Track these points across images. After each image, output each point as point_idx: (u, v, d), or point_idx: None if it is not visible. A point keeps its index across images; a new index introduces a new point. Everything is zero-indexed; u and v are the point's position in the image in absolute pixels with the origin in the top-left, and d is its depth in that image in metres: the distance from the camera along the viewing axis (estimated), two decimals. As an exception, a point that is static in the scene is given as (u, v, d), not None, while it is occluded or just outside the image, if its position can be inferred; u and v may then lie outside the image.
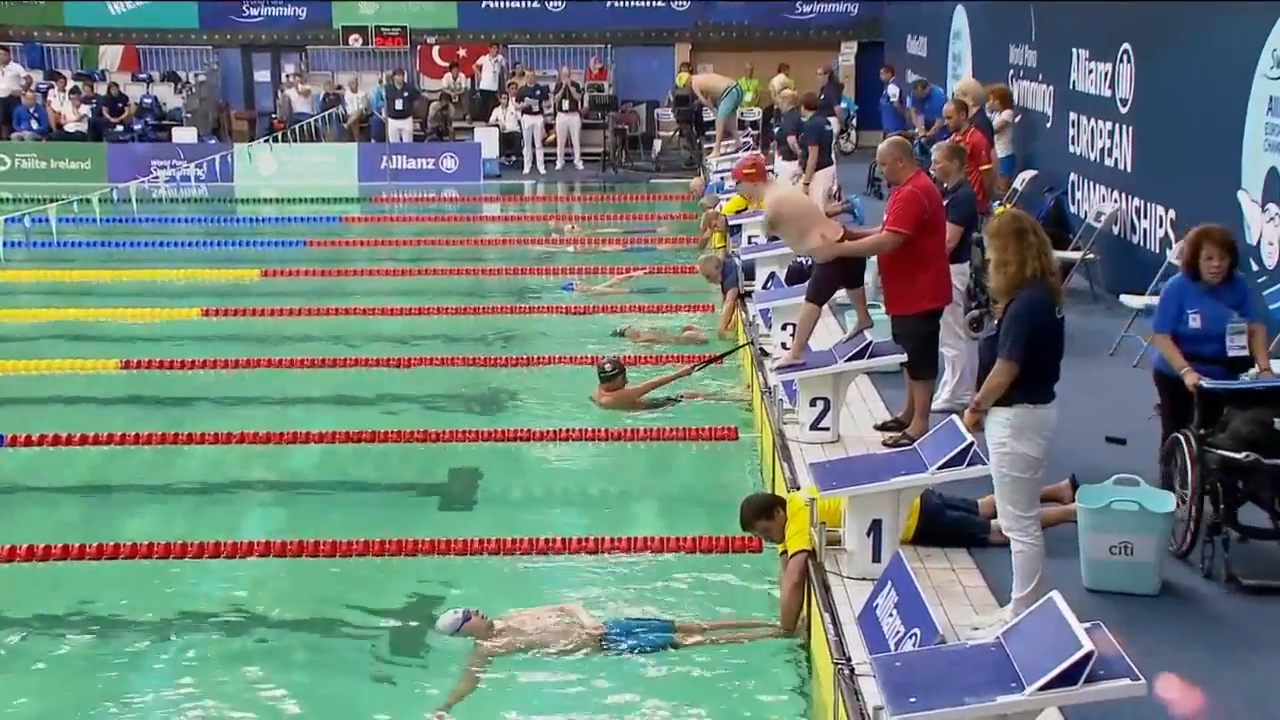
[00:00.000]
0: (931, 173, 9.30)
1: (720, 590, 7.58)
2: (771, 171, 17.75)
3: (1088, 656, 4.21)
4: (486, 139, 25.83)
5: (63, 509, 9.10)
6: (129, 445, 9.92)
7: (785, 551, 6.99)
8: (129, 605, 7.49)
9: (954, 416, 7.02)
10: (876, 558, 6.60)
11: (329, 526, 8.44)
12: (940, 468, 6.56)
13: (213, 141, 26.54)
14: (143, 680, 6.75)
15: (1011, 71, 17.11)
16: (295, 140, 25.43)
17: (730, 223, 16.23)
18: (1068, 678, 4.22)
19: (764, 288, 12.50)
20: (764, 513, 7.12)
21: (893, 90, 22.86)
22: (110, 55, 29.40)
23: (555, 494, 9.31)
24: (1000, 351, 5.96)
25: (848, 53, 28.45)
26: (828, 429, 8.90)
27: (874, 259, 9.15)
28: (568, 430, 10.17)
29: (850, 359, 8.82)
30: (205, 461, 9.83)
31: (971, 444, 6.54)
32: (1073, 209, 14.06)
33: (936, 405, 8.98)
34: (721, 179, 19.54)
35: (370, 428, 10.19)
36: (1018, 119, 15.90)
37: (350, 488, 9.47)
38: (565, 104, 26.14)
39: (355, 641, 7.13)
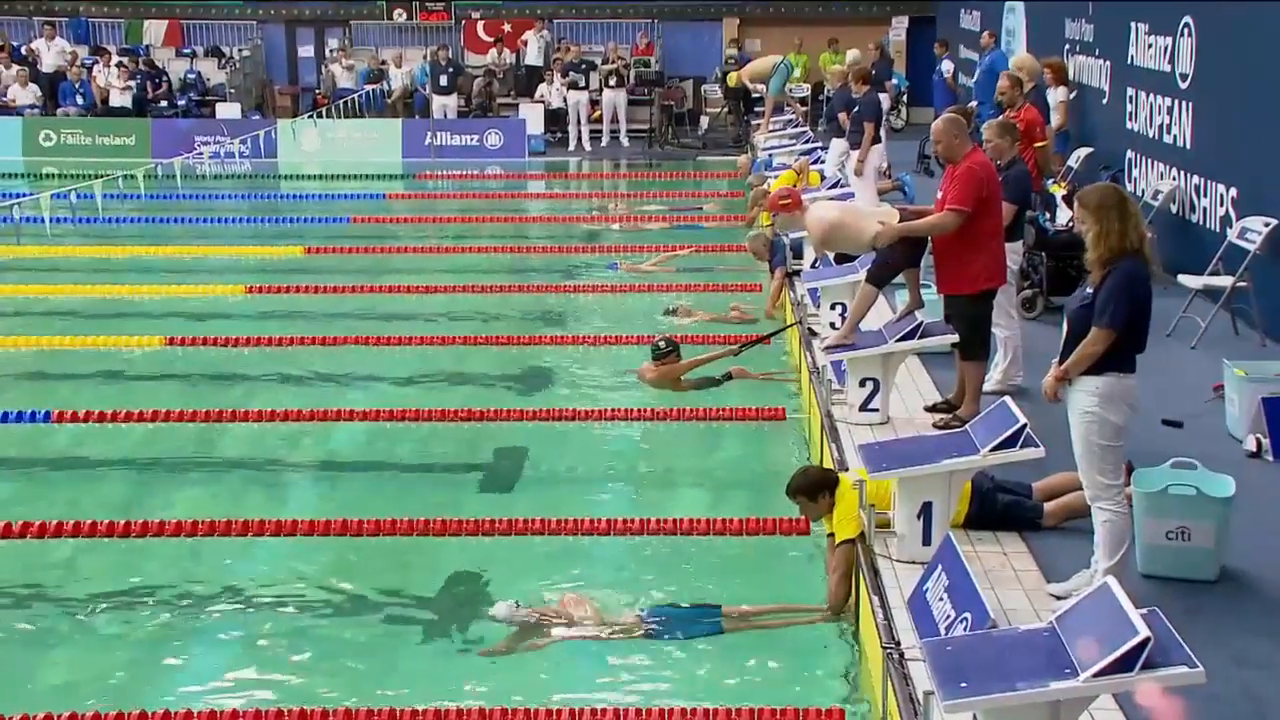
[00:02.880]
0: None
1: (767, 573, 7.56)
2: (823, 148, 17.71)
3: (1144, 643, 4.17)
4: (531, 115, 25.86)
5: (107, 486, 9.19)
6: (173, 423, 10.02)
7: (832, 534, 6.98)
8: (171, 583, 7.56)
9: (1007, 398, 6.98)
10: (927, 541, 6.57)
11: (372, 505, 8.48)
12: (993, 450, 6.52)
13: (256, 117, 26.71)
14: (184, 658, 6.82)
15: (1067, 46, 16.92)
16: (339, 116, 25.54)
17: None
18: (1123, 664, 4.18)
19: (812, 267, 12.45)
20: (809, 492, 7.07)
21: (946, 66, 22.66)
22: (154, 30, 29.63)
23: (599, 474, 9.31)
24: (1099, 320, 5.98)
25: (899, 27, 28.23)
26: (877, 410, 8.86)
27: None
28: (612, 410, 10.17)
29: (900, 339, 8.77)
30: (249, 439, 9.91)
31: (1024, 426, 6.50)
32: (1130, 187, 13.90)
33: (988, 387, 8.92)
34: (770, 156, 19.47)
35: (414, 406, 10.24)
36: (1073, 95, 15.73)
37: (394, 467, 9.52)
38: (612, 80, 26.10)
39: (398, 621, 7.17)
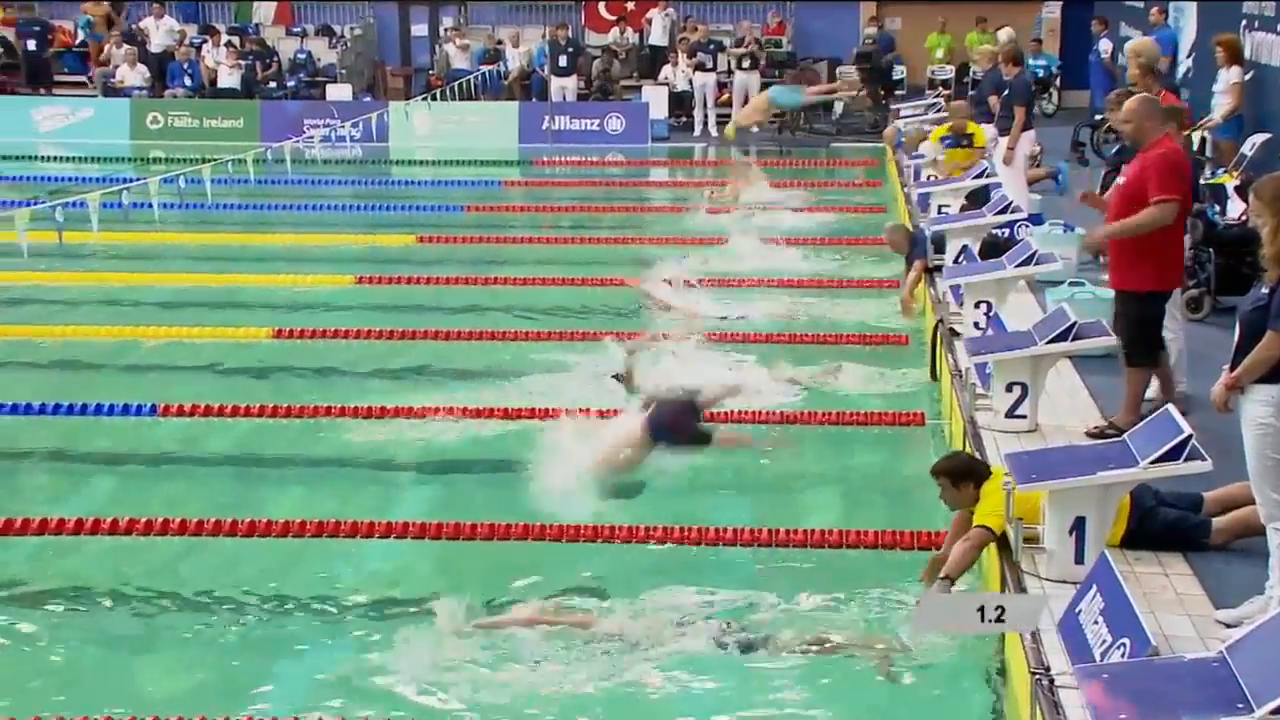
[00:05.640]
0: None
1: (900, 589, 7.45)
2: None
3: (1327, 678, 4.04)
4: (655, 98, 25.90)
5: (212, 482, 9.37)
6: (279, 418, 10.19)
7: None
8: (275, 584, 7.68)
9: (1169, 406, 6.82)
10: (1079, 559, 6.45)
11: (485, 507, 8.54)
12: (1153, 462, 6.36)
13: (367, 99, 27.14)
14: (287, 662, 6.92)
15: (1244, 22, 16.45)
16: (453, 99, 25.85)
17: (919, 191, 16.07)
18: (1304, 701, 4.05)
19: (955, 262, 12.31)
20: (955, 475, 7.07)
21: (1104, 45, 22.20)
22: (264, 9, 30.28)
23: (722, 479, 9.27)
24: (1275, 323, 5.83)
25: (1053, 5, 27.73)
26: (1025, 417, 8.72)
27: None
28: (739, 412, 10.10)
29: (1051, 341, 8.61)
30: (357, 436, 10.01)
31: (1190, 437, 6.33)
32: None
33: (1148, 394, 8.72)
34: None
35: (528, 404, 10.29)
36: (1249, 75, 15.29)
37: (507, 467, 9.55)
38: (746, 61, 26.00)
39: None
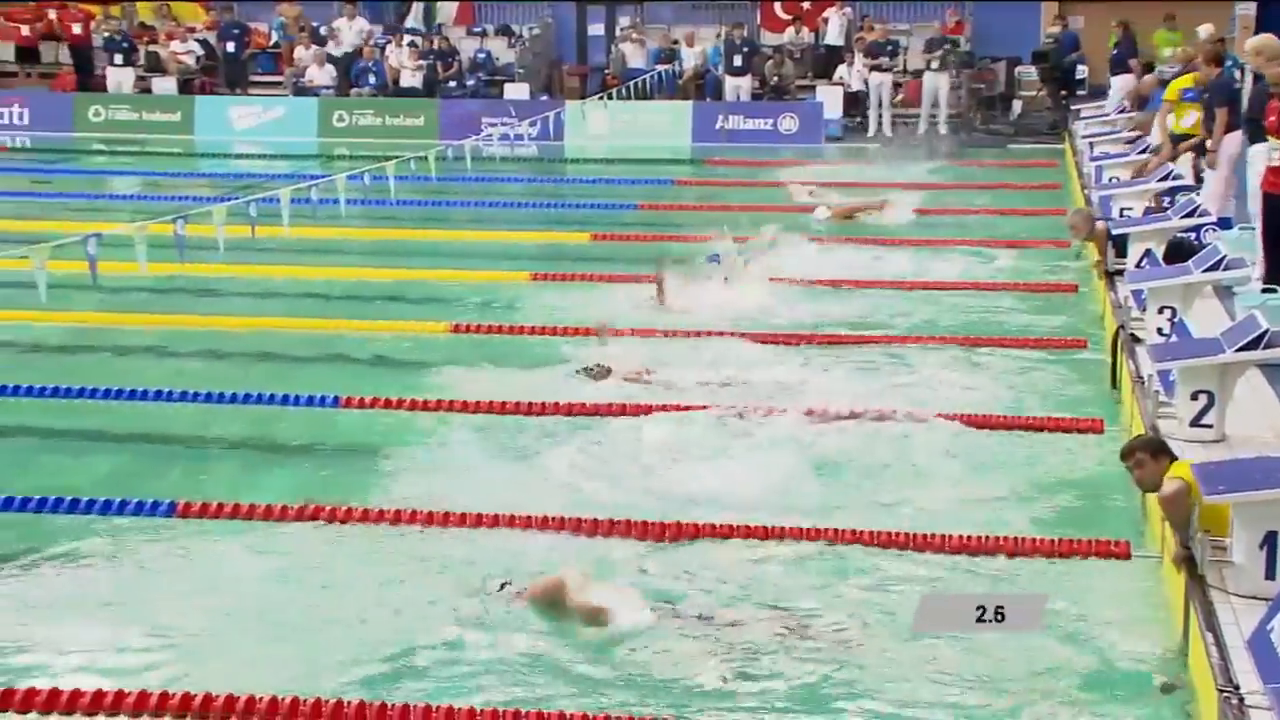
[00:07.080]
0: None
1: (1075, 601, 7.25)
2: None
3: None
4: (829, 98, 25.72)
5: (392, 474, 9.49)
6: (456, 412, 10.34)
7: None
8: (459, 572, 7.76)
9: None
10: (1270, 575, 6.24)
11: (665, 504, 8.54)
12: (1352, 478, 6.12)
13: (544, 98, 27.48)
14: (442, 651, 6.93)
15: None
16: (628, 98, 26.02)
17: (1101, 194, 15.74)
18: None
19: (1138, 266, 11.99)
20: (1155, 448, 7.14)
21: (1303, 42, 21.36)
22: (446, 9, 30.91)
23: (896, 483, 9.14)
24: None
25: (1248, 3, 26.77)
26: (1211, 427, 8.46)
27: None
28: (918, 411, 9.93)
29: (1241, 349, 8.33)
30: (538, 431, 10.09)
31: (1392, 452, 6.07)
32: None
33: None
34: (1090, 144, 18.87)
35: (700, 401, 10.28)
36: None
37: (677, 462, 9.53)
38: (935, 62, 25.60)
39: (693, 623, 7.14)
